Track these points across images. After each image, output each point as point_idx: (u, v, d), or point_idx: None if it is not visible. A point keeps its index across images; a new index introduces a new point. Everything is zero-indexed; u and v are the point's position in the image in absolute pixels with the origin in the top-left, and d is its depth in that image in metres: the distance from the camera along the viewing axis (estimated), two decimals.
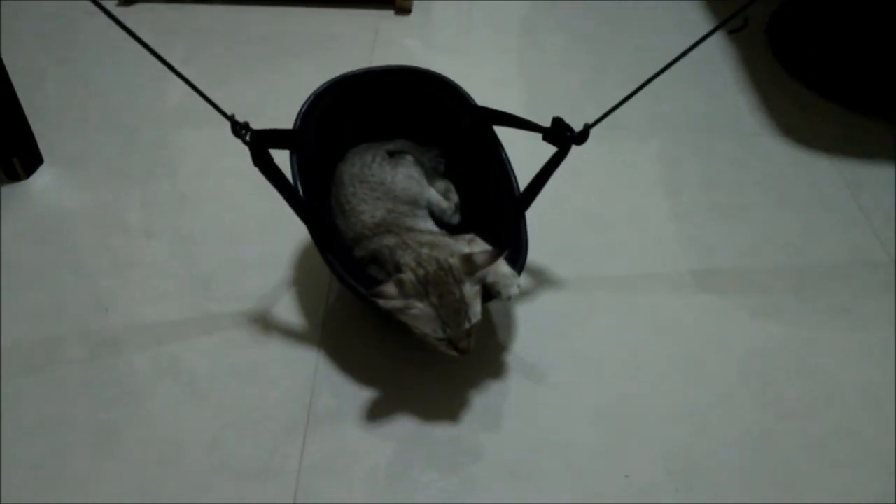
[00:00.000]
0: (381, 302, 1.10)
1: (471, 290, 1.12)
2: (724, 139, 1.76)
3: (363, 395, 1.23)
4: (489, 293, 1.17)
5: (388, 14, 2.13)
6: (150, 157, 1.67)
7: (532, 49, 2.05)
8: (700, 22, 2.13)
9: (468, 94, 1.40)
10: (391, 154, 1.41)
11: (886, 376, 1.27)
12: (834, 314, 1.37)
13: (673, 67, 1.09)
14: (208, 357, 1.28)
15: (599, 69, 1.96)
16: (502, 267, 1.18)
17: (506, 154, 1.35)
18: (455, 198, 1.42)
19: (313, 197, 1.28)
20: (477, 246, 1.24)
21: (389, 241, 1.23)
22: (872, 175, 1.65)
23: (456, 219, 1.41)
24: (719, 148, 1.73)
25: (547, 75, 1.96)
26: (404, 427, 1.19)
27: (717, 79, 1.93)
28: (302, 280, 1.40)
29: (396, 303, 1.10)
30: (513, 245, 1.23)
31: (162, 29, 2.05)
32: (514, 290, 1.17)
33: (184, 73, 1.03)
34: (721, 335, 1.33)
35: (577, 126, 1.19)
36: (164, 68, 1.01)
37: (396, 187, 1.33)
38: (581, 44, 2.07)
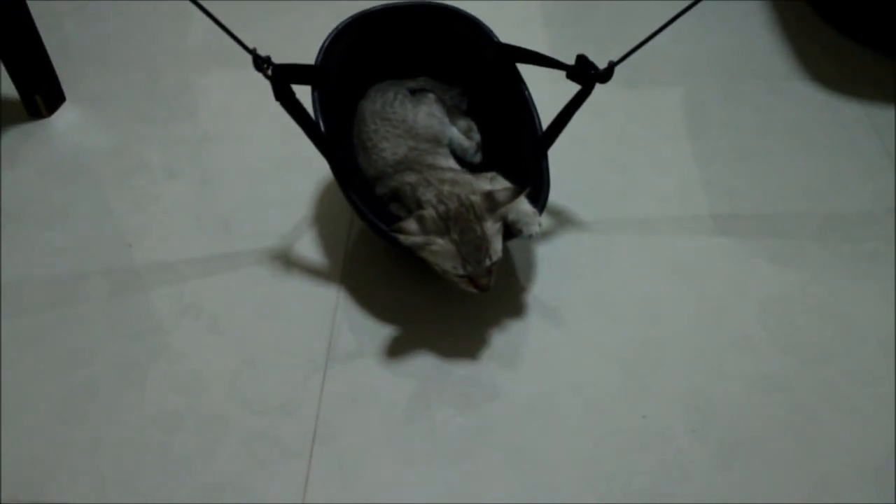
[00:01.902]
0: (402, 238, 1.11)
1: (492, 228, 1.12)
2: (750, 82, 1.72)
3: (383, 332, 1.24)
4: (510, 231, 1.17)
5: None
6: (172, 96, 1.67)
7: None
8: None
9: (491, 31, 1.37)
10: (413, 92, 1.40)
11: None
12: (856, 260, 1.35)
13: (700, 7, 1.07)
14: (230, 293, 1.30)
15: None
16: (524, 205, 1.18)
17: (529, 92, 1.33)
18: (477, 137, 1.41)
19: (335, 134, 1.28)
20: (498, 184, 1.24)
21: (411, 178, 1.23)
22: None
23: (478, 158, 1.40)
24: (745, 91, 1.69)
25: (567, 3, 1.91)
26: (424, 364, 1.20)
27: (746, 20, 1.88)
28: (323, 218, 1.41)
29: (417, 239, 1.11)
30: (534, 183, 1.23)
31: None
32: (536, 229, 1.17)
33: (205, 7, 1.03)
34: (742, 279, 1.32)
35: (600, 61, 1.16)
36: (186, 7, 1.01)
37: (418, 125, 1.33)
38: None
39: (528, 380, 1.19)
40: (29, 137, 1.57)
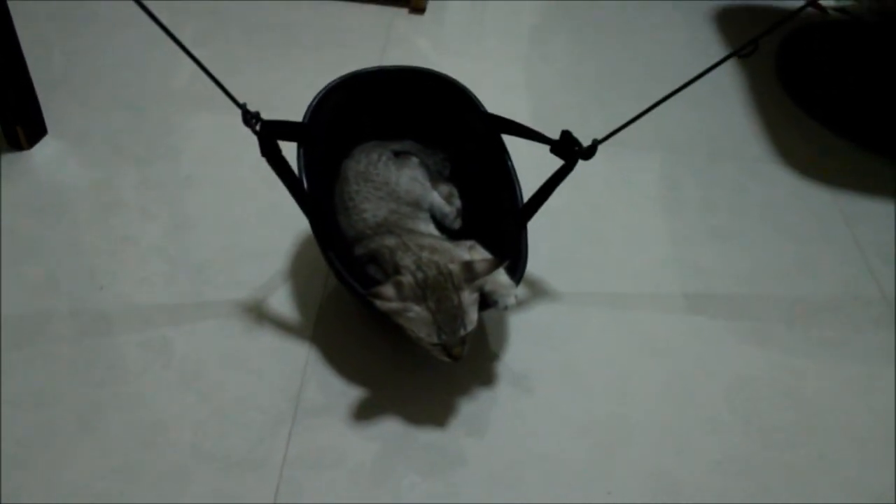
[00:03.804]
0: (378, 303, 1.11)
1: (469, 298, 1.12)
2: (726, 163, 1.77)
3: (352, 392, 1.23)
4: (486, 302, 1.17)
5: (402, 12, 2.13)
6: (155, 137, 1.67)
7: (541, 57, 2.06)
8: (710, 41, 2.14)
9: (479, 100, 1.40)
10: (397, 154, 1.41)
11: (871, 411, 1.28)
12: (823, 346, 1.38)
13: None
14: (198, 342, 1.28)
15: (607, 82, 1.97)
16: (501, 276, 1.18)
17: (512, 163, 1.35)
18: (457, 203, 1.42)
19: (317, 192, 1.28)
20: (477, 253, 1.24)
21: (390, 241, 1.23)
22: (871, 210, 1.66)
23: (457, 224, 1.41)
24: (721, 171, 1.74)
25: (555, 84, 1.96)
26: (391, 428, 1.19)
27: (724, 102, 1.94)
28: (298, 273, 1.40)
29: (394, 305, 1.11)
30: (513, 255, 1.24)
31: (175, 7, 2.04)
32: (511, 301, 1.18)
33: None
34: (710, 360, 1.34)
35: (585, 140, 1.19)
36: (176, 48, 1.01)
37: (400, 188, 1.33)
38: (591, 55, 2.07)
39: (494, 449, 1.18)
40: (7, 169, 1.55)
